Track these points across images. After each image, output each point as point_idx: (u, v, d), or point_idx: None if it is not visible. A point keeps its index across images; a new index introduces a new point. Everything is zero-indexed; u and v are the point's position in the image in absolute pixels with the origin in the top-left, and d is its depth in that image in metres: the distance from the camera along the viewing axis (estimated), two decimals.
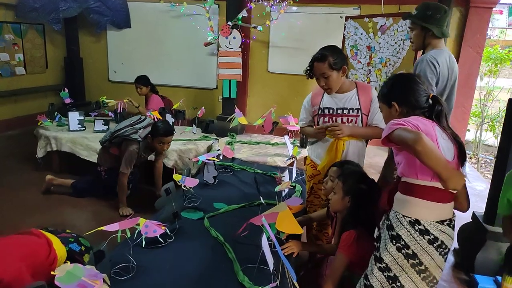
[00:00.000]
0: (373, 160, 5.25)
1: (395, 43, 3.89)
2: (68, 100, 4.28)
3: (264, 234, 1.60)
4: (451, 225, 1.53)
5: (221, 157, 2.87)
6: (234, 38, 5.34)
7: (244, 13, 5.27)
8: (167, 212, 2.00)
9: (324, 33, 5.55)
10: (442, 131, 1.52)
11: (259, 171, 2.98)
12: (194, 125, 3.66)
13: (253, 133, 4.64)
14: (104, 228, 1.66)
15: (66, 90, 4.31)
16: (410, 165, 1.47)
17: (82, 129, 3.94)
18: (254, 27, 5.39)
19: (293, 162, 2.90)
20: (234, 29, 5.29)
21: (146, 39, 6.36)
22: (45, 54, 6.10)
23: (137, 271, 1.65)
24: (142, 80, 4.39)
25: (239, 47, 5.39)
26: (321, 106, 2.32)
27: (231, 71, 5.49)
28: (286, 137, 3.33)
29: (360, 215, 1.73)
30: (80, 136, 3.79)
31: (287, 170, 2.52)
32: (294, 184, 2.71)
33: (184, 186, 2.22)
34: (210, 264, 1.74)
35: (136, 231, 1.82)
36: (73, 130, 3.90)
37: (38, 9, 5.46)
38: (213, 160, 2.63)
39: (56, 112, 4.07)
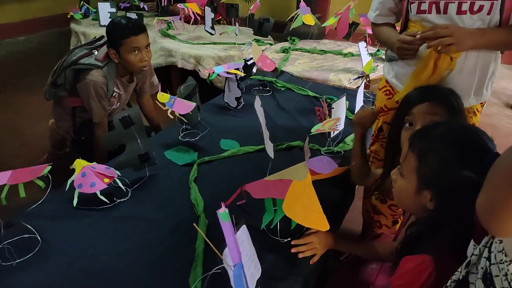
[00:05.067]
0: (498, 84, 3.79)
1: None
2: None
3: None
4: None
5: (254, 70, 1.98)
6: None
7: None
8: (130, 153, 1.27)
9: None
10: None
11: (311, 93, 2.04)
12: (237, 24, 2.74)
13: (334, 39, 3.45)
14: None
15: None
16: None
17: None
18: None
19: (363, 82, 1.89)
20: None
21: None
22: None
23: (42, 248, 1.00)
24: None
25: None
26: None
27: None
28: (362, 44, 2.25)
29: (453, 232, 0.78)
30: None
31: (344, 96, 1.55)
32: None
33: (172, 113, 1.44)
34: (162, 255, 1.01)
35: (69, 181, 1.15)
36: (105, 26, 3.25)
37: None
38: (235, 74, 1.77)
39: (82, 2, 3.43)
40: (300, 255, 1.00)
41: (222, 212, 0.68)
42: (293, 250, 1.00)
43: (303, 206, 0.94)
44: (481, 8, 1.11)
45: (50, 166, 1.03)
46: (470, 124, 1.18)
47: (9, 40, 4.66)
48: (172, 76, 3.01)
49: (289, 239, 1.06)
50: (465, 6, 1.13)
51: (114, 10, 3.25)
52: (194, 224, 0.72)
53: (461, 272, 0.74)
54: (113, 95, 1.86)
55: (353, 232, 1.85)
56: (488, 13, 1.11)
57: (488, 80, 1.26)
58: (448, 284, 0.74)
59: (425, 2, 1.19)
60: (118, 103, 1.96)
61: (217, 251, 0.69)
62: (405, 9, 1.27)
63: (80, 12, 3.38)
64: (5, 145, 2.55)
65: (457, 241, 0.79)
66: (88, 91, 1.75)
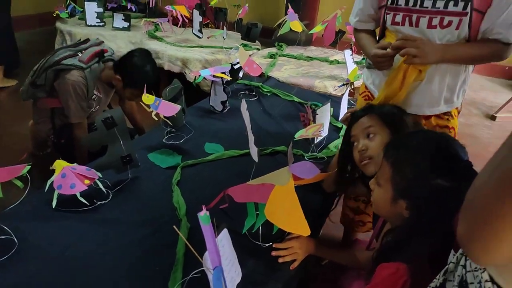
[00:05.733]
0: (478, 95, 3.89)
1: None
2: None
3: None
4: None
5: (240, 75, 1.99)
6: None
7: None
8: (112, 154, 1.26)
9: None
10: None
11: (297, 99, 2.06)
12: (225, 28, 2.75)
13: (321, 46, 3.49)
14: None
15: None
16: None
17: (101, 24, 3.25)
18: None
19: (347, 89, 1.92)
20: None
21: None
22: None
23: (19, 250, 0.98)
24: None
25: None
26: None
27: None
28: (348, 52, 2.28)
29: (428, 239, 0.79)
30: (95, 33, 3.11)
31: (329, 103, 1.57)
32: (340, 125, 1.78)
33: (157, 115, 1.44)
34: (142, 258, 1.00)
35: (48, 182, 1.13)
36: (91, 25, 3.23)
37: None
38: (222, 78, 1.77)
39: (68, 1, 3.39)
40: (280, 260, 1.01)
41: (203, 215, 0.68)
42: (274, 253, 1.01)
43: (284, 210, 0.95)
44: (450, 23, 1.16)
45: (29, 166, 1.01)
46: (441, 132, 1.23)
47: None
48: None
49: (270, 243, 1.06)
50: (435, 21, 1.17)
51: (101, 10, 3.22)
52: (174, 227, 0.71)
53: (438, 279, 0.76)
54: (93, 97, 1.85)
55: (334, 238, 1.87)
56: (457, 28, 1.16)
57: (458, 89, 1.31)
58: None
59: (399, 14, 1.23)
60: (98, 106, 1.94)
61: (197, 254, 0.69)
62: (382, 17, 1.31)
63: (66, 11, 3.34)
64: None
65: (432, 249, 0.81)
66: (66, 90, 1.73)
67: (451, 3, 1.13)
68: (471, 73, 1.34)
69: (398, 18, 1.23)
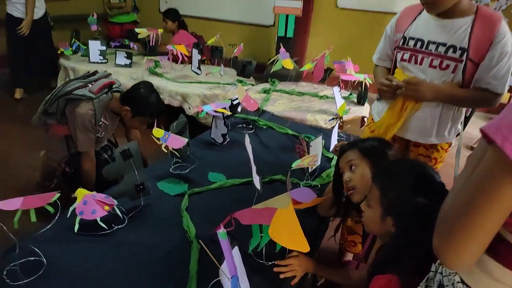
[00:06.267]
0: (464, 131, 4.12)
1: None
2: (94, 27, 3.77)
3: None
4: None
5: (239, 109, 2.16)
6: None
7: None
8: (127, 183, 1.39)
9: None
10: None
11: (290, 132, 2.22)
12: (222, 65, 2.95)
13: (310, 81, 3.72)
14: None
15: (95, 16, 3.79)
16: None
17: (103, 61, 3.43)
18: None
19: (337, 123, 2.10)
20: None
21: None
22: None
23: (47, 270, 1.09)
24: (171, 14, 3.82)
25: None
26: (406, 35, 1.49)
27: (290, 4, 4.55)
28: (336, 89, 2.49)
29: (414, 252, 0.94)
30: (98, 70, 3.27)
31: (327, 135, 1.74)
32: (331, 156, 1.94)
33: (166, 147, 1.58)
34: (158, 277, 1.12)
35: (71, 208, 1.25)
36: (94, 62, 3.41)
37: None
38: (222, 113, 1.94)
39: (73, 39, 3.59)
40: (282, 276, 1.13)
41: (221, 231, 0.82)
42: (275, 269, 1.14)
43: (286, 230, 1.08)
44: (447, 66, 1.40)
45: (59, 194, 1.14)
46: (419, 160, 1.43)
47: None
48: None
49: (273, 262, 1.19)
50: (436, 62, 1.41)
51: (104, 48, 3.42)
52: (200, 241, 0.84)
53: (421, 286, 0.90)
54: (100, 124, 2.00)
55: (327, 258, 1.98)
56: (453, 72, 1.40)
57: (450, 126, 1.53)
58: None
59: (407, 52, 1.48)
60: (104, 132, 2.09)
61: (215, 260, 0.81)
62: (394, 56, 1.56)
63: (70, 49, 3.52)
64: None
65: (418, 262, 0.95)
66: (75, 121, 1.89)
67: (451, 50, 1.38)
68: (463, 115, 1.56)
69: (406, 56, 1.49)
